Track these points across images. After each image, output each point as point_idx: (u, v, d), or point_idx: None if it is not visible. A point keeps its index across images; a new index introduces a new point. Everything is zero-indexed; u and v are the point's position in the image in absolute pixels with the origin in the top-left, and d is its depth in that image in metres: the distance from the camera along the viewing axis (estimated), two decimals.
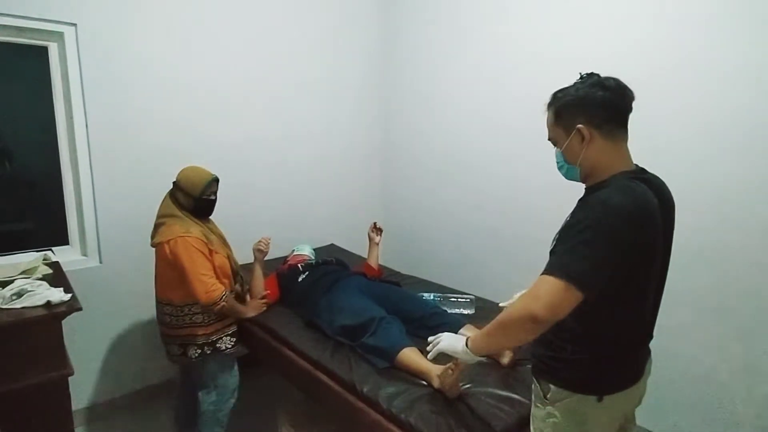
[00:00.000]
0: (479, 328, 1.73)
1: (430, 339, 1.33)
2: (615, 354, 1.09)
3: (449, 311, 2.01)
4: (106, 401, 2.37)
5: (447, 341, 1.27)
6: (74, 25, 2.07)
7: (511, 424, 1.34)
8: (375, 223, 2.55)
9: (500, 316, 1.09)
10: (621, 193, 1.00)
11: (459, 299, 2.17)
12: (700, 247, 1.88)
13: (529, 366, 1.57)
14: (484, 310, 2.05)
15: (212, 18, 2.48)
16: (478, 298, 2.20)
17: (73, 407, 1.62)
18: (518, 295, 1.46)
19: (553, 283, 0.97)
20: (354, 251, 2.98)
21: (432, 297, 2.19)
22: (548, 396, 1.13)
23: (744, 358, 1.83)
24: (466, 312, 2.08)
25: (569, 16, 2.23)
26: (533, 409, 1.20)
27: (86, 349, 2.24)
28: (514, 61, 2.50)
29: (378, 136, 3.39)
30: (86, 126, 2.16)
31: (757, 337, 1.80)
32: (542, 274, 1.01)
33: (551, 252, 1.11)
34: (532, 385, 1.20)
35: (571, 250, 0.98)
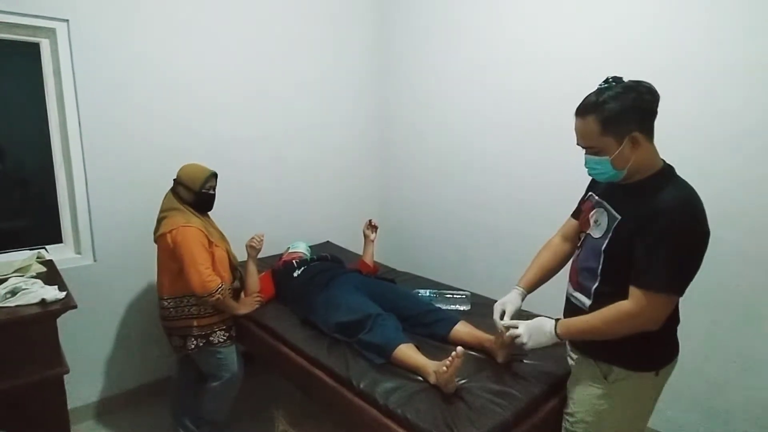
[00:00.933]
0: (474, 324, 1.77)
1: (505, 323, 1.38)
2: (668, 330, 1.18)
3: (444, 307, 2.02)
4: (104, 399, 2.36)
5: (533, 340, 1.30)
6: (66, 21, 2.05)
7: (507, 418, 1.35)
8: (370, 220, 2.54)
9: (599, 326, 1.16)
10: (689, 190, 1.10)
11: (455, 295, 2.18)
12: None
13: (525, 361, 1.61)
14: (480, 306, 2.07)
15: (210, 15, 2.46)
16: (474, 295, 2.21)
17: (70, 405, 1.62)
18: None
19: (660, 301, 1.08)
20: (350, 248, 2.99)
21: (428, 293, 2.20)
22: (609, 377, 1.21)
23: (734, 351, 1.86)
24: (462, 308, 2.09)
25: (567, 14, 2.24)
26: (581, 389, 1.27)
27: (82, 347, 2.23)
28: (512, 60, 2.50)
29: (375, 134, 3.38)
30: (79, 123, 2.14)
31: (746, 331, 1.82)
32: (643, 288, 1.08)
33: (619, 249, 1.14)
34: (586, 367, 1.27)
35: (671, 262, 1.07)
